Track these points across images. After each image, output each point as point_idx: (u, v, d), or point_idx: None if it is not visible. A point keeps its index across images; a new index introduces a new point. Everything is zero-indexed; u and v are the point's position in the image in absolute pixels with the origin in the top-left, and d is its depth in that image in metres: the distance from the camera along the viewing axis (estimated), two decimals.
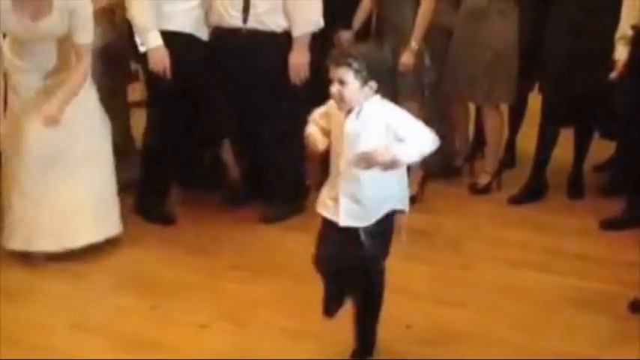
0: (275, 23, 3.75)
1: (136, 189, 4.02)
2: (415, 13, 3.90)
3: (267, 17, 3.73)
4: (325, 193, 2.68)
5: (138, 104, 4.52)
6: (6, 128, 3.63)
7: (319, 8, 3.75)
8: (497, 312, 3.09)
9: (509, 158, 4.57)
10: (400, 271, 3.36)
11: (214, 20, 3.83)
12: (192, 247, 3.68)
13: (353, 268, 2.66)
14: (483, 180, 4.33)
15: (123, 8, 3.83)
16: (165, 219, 3.95)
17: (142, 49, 3.72)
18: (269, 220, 3.97)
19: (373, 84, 2.50)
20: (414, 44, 3.90)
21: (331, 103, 2.58)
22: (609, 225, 3.83)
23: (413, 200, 4.09)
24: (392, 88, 3.97)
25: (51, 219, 3.46)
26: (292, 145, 3.99)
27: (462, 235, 3.81)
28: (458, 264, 3.49)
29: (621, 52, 3.52)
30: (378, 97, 2.55)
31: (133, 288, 3.30)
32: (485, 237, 3.78)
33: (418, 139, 2.52)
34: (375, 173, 2.52)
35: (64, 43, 3.45)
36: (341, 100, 2.50)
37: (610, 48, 3.63)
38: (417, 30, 3.90)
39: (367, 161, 2.45)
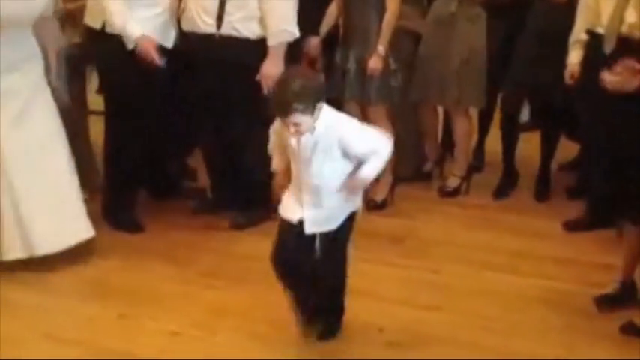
0: (249, 30, 3.74)
1: (102, 196, 4.00)
2: (381, 17, 3.92)
3: (241, 24, 3.72)
4: (289, 200, 2.77)
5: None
6: None
7: (294, 18, 3.74)
8: (469, 314, 3.12)
9: (478, 161, 4.62)
10: (371, 274, 3.44)
11: (187, 26, 3.81)
12: (162, 255, 3.66)
13: (311, 270, 2.77)
14: (452, 183, 4.37)
15: (83, 12, 3.81)
16: (133, 226, 3.92)
17: (129, 46, 3.67)
18: (239, 226, 3.96)
19: (320, 105, 2.57)
20: (380, 48, 3.92)
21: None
22: (572, 227, 3.90)
23: (383, 205, 4.19)
24: (360, 93, 4.04)
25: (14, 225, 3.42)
26: (263, 151, 4.03)
27: (433, 239, 3.84)
28: (428, 267, 3.51)
29: (574, 56, 3.58)
30: (327, 109, 2.62)
31: (103, 297, 3.28)
32: (455, 240, 3.82)
33: (377, 152, 2.64)
34: (336, 183, 2.66)
35: None
36: (300, 135, 2.60)
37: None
38: (383, 34, 3.93)
39: (348, 194, 2.68)
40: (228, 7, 3.69)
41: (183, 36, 3.83)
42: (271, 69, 3.73)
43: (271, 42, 3.74)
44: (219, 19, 3.71)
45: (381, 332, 2.99)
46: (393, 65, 3.99)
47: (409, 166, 4.46)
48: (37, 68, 3.57)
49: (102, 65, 3.95)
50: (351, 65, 4.01)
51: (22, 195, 3.45)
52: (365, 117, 4.16)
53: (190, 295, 3.30)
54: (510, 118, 4.28)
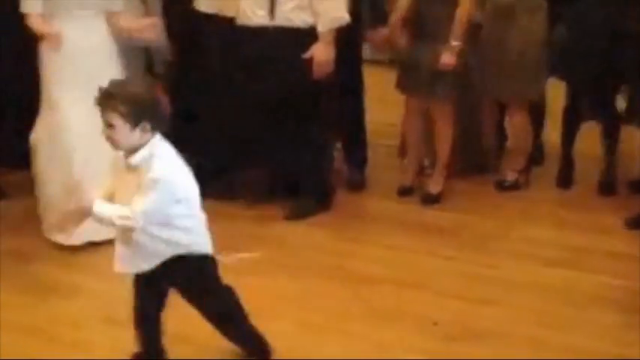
0: (301, 19, 3.74)
1: None
2: (452, 11, 3.85)
3: (293, 14, 3.73)
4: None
5: None
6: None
7: (345, 4, 3.74)
8: (526, 310, 3.07)
9: (537, 155, 4.53)
10: (426, 267, 3.42)
11: (240, 20, 3.83)
12: (217, 244, 3.68)
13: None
14: (511, 177, 4.28)
15: None
16: None
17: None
18: (294, 217, 3.97)
19: (147, 127, 2.35)
20: (454, 43, 3.85)
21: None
22: (633, 224, 3.78)
23: (438, 198, 4.14)
24: (427, 89, 3.98)
25: None
26: (319, 141, 4.03)
27: (489, 233, 3.78)
28: (486, 262, 3.46)
29: None
30: (157, 141, 2.40)
31: None
32: (512, 235, 3.75)
33: (131, 211, 2.37)
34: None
35: None
36: (112, 143, 2.39)
37: None
38: (456, 28, 3.85)
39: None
40: None
41: (237, 30, 3.85)
42: (323, 55, 3.74)
43: (322, 28, 3.74)
44: (272, 10, 3.73)
45: (435, 325, 2.96)
46: (472, 61, 3.92)
47: (465, 160, 4.40)
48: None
49: None
50: (421, 60, 3.96)
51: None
52: (428, 111, 4.14)
53: (244, 281, 3.30)
54: (575, 109, 4.19)
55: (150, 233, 2.42)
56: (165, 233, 2.45)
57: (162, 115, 2.40)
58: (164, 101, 2.42)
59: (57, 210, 3.56)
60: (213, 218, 3.79)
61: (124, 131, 2.33)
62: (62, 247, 3.61)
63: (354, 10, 3.91)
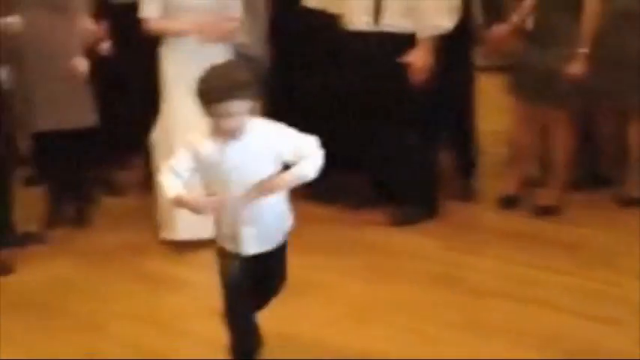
0: (404, 26, 3.70)
1: None
2: (577, 17, 3.70)
3: (398, 20, 3.69)
4: (222, 232, 2.49)
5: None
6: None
7: (449, 12, 3.67)
8: None
9: None
10: (545, 283, 3.27)
11: (344, 24, 3.83)
12: (321, 247, 3.66)
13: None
14: (635, 192, 4.06)
15: None
16: None
17: None
18: (399, 223, 3.89)
19: (256, 104, 2.32)
20: (582, 51, 3.68)
21: (194, 139, 2.36)
22: None
23: (553, 211, 3.96)
24: (540, 95, 3.82)
25: None
26: (425, 147, 3.95)
27: (610, 249, 3.58)
28: (607, 279, 3.28)
29: None
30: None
31: None
32: (637, 252, 3.51)
33: (308, 157, 2.35)
34: (272, 199, 2.39)
35: None
36: (236, 132, 2.29)
37: None
38: (584, 36, 3.69)
39: (264, 192, 2.33)
40: (384, 3, 3.68)
41: (341, 33, 3.84)
42: (419, 61, 3.69)
43: (422, 34, 3.70)
44: (376, 16, 3.70)
45: (556, 342, 2.81)
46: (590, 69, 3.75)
47: (585, 170, 4.21)
48: None
49: None
50: (536, 64, 3.81)
51: None
52: (545, 118, 3.97)
53: (348, 286, 3.29)
54: None
55: (275, 210, 2.44)
56: (283, 207, 2.48)
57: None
58: None
59: (166, 206, 3.64)
60: (315, 222, 3.85)
61: (244, 116, 2.28)
62: (171, 242, 3.71)
63: (466, 15, 3.83)
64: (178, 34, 3.61)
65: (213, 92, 2.24)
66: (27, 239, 3.74)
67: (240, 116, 2.26)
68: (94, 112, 3.89)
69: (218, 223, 2.48)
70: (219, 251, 2.51)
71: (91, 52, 3.89)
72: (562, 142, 3.95)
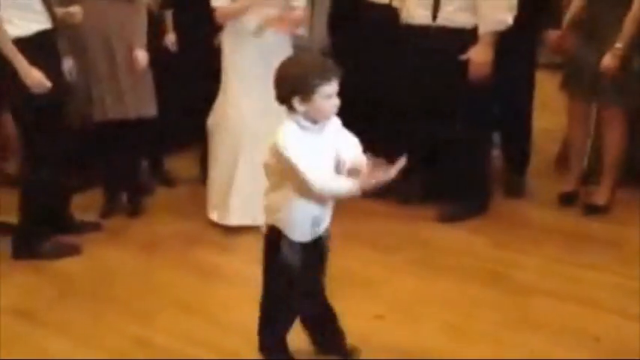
0: (464, 20, 3.71)
1: None
2: (622, 12, 3.68)
3: (456, 15, 3.70)
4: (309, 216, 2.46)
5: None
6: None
7: (508, 7, 3.66)
8: None
9: None
10: (587, 280, 3.28)
11: (404, 18, 3.86)
12: (369, 242, 3.71)
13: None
14: None
15: None
16: None
17: None
18: (447, 219, 3.93)
19: None
20: (618, 46, 3.68)
21: (293, 130, 2.33)
22: None
23: (605, 209, 3.97)
24: (593, 92, 3.83)
25: None
26: (476, 143, 3.96)
27: None
28: None
29: None
30: None
31: None
32: None
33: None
34: None
35: None
36: (331, 112, 2.35)
37: None
38: (624, 31, 3.68)
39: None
40: None
41: (400, 28, 3.87)
42: (481, 56, 3.69)
43: (483, 29, 3.69)
44: (435, 10, 3.71)
45: (597, 342, 2.83)
46: (636, 67, 3.73)
47: (628, 168, 4.17)
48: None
49: None
50: (585, 60, 3.82)
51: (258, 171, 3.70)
52: (599, 117, 3.97)
53: (395, 281, 3.32)
54: None
55: None
56: None
57: None
58: None
59: (217, 189, 3.84)
60: (364, 216, 3.89)
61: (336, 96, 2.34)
62: (220, 232, 3.80)
63: (530, 11, 3.81)
64: (245, 11, 3.66)
65: (320, 74, 2.28)
66: (84, 227, 3.82)
67: (334, 98, 2.33)
68: (154, 102, 3.99)
69: (303, 208, 2.42)
70: (283, 236, 2.47)
71: (154, 44, 3.99)
72: (613, 142, 3.94)
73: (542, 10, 4.01)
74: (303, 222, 2.45)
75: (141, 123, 3.98)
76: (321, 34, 4.28)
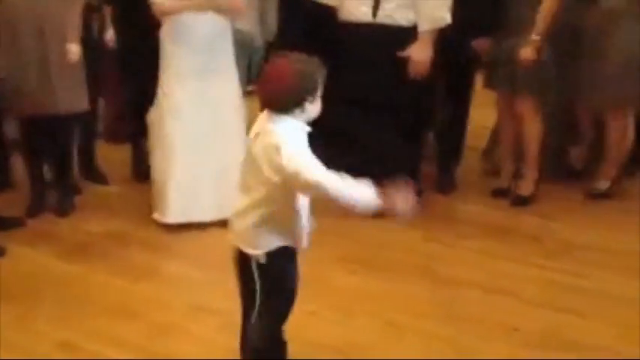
0: (404, 18, 3.74)
1: None
2: (534, 5, 3.82)
3: (396, 12, 3.73)
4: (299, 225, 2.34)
5: None
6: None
7: (447, 6, 3.72)
8: (612, 323, 2.99)
9: (633, 164, 4.38)
10: (510, 273, 3.37)
11: (342, 15, 3.87)
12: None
13: None
14: (602, 185, 4.18)
15: None
16: None
17: None
18: (380, 214, 3.94)
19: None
20: (534, 38, 3.80)
21: (302, 138, 2.22)
22: None
23: (528, 200, 4.08)
24: (509, 83, 3.93)
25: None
26: (412, 139, 4.03)
27: (575, 241, 3.70)
28: (573, 272, 3.39)
29: None
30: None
31: None
32: (600, 244, 3.66)
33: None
34: None
35: None
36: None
37: None
38: (538, 23, 3.81)
39: None
40: None
41: (340, 26, 3.88)
42: (420, 54, 3.73)
43: (423, 27, 3.73)
44: (376, 7, 3.74)
45: (516, 332, 2.92)
46: (546, 57, 3.86)
47: (556, 165, 4.31)
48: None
49: None
50: (503, 55, 3.94)
51: (196, 168, 3.76)
52: (512, 109, 4.08)
53: (327, 277, 3.35)
54: None
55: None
56: None
57: None
58: None
59: (156, 187, 3.83)
60: None
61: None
62: (153, 231, 3.76)
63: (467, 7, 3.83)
64: (187, 9, 3.65)
65: (319, 68, 2.18)
66: (6, 223, 3.74)
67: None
68: (86, 97, 3.92)
69: (294, 217, 2.28)
70: (281, 253, 2.32)
71: (94, 38, 3.97)
72: (531, 131, 4.06)
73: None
74: (307, 224, 2.33)
75: (72, 118, 3.92)
76: (272, 26, 4.30)
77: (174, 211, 3.76)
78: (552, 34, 3.87)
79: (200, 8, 3.67)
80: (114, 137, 4.96)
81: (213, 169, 3.75)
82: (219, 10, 3.70)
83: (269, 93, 2.19)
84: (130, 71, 4.24)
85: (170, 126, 3.77)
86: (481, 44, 4.06)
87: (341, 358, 2.76)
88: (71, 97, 3.85)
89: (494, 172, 4.40)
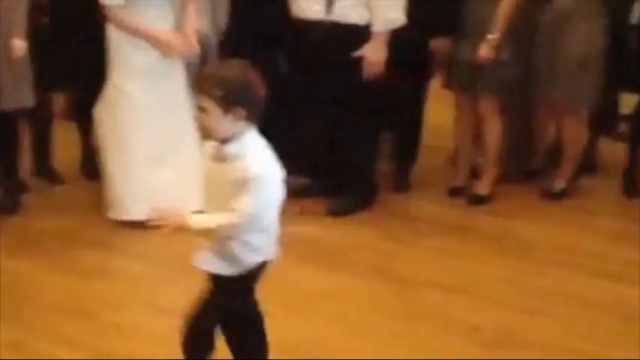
0: (358, 16, 3.71)
1: None
2: (492, 6, 3.83)
3: (350, 10, 3.70)
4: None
5: None
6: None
7: (401, 6, 3.70)
8: (569, 321, 3.00)
9: (589, 164, 4.42)
10: (468, 271, 3.37)
11: (295, 12, 3.81)
12: None
13: None
14: (558, 185, 4.19)
15: None
16: None
17: None
18: (336, 213, 3.94)
19: (240, 111, 2.12)
20: (492, 37, 3.81)
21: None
22: None
23: (485, 199, 4.09)
24: (469, 84, 3.94)
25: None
26: (368, 139, 3.99)
27: (532, 240, 3.72)
28: (530, 270, 3.40)
29: None
30: (253, 133, 2.19)
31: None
32: (557, 243, 3.68)
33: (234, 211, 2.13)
34: None
35: None
36: (203, 129, 2.20)
37: None
38: (496, 23, 3.82)
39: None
40: None
41: (292, 22, 3.82)
42: (374, 54, 3.71)
43: (377, 28, 3.71)
44: (329, 4, 3.70)
45: (475, 331, 2.92)
46: (505, 56, 3.87)
47: (515, 164, 4.33)
48: None
49: None
50: (462, 55, 3.94)
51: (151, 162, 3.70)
52: (474, 109, 4.09)
53: (284, 276, 3.27)
54: None
55: (244, 240, 2.21)
56: (258, 240, 2.25)
57: (256, 102, 2.16)
58: (260, 87, 2.18)
59: (113, 187, 3.74)
60: None
61: (215, 116, 2.12)
62: (103, 230, 3.70)
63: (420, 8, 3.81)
64: (142, 37, 3.59)
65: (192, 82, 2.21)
66: None
67: (208, 114, 2.13)
68: (32, 92, 3.82)
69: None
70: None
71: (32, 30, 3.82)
72: (491, 131, 4.07)
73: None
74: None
75: (18, 114, 3.83)
76: (222, 23, 4.20)
77: (128, 209, 3.67)
78: (512, 33, 3.87)
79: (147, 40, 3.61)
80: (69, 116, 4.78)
81: (171, 167, 3.70)
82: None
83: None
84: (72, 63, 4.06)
85: (125, 123, 3.68)
86: (440, 44, 4.05)
87: (296, 357, 2.72)
88: (17, 93, 3.76)
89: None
